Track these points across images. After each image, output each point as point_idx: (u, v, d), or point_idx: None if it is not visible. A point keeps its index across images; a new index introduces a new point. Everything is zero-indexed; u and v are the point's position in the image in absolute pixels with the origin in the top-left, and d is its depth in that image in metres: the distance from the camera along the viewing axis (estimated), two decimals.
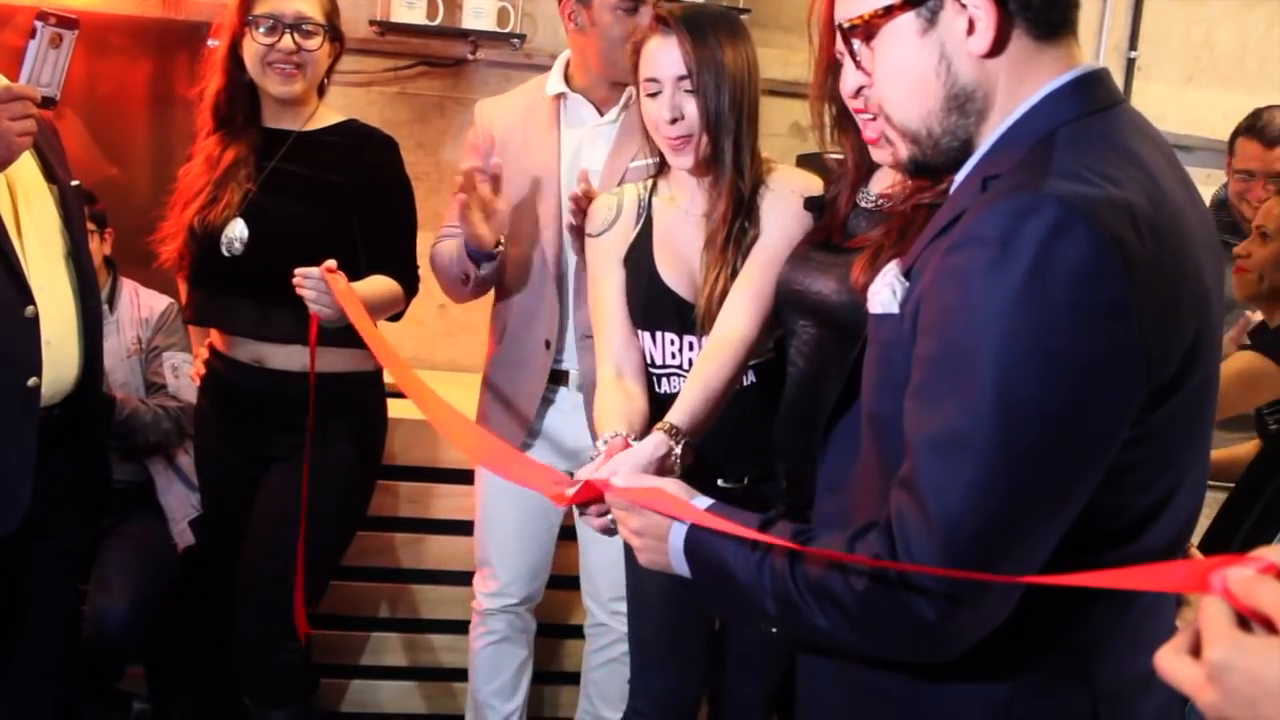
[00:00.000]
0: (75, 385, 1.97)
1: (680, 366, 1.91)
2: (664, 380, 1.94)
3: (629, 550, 1.94)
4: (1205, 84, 3.96)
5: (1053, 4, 1.09)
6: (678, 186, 1.95)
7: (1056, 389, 0.95)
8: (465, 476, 2.68)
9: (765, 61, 3.57)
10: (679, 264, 1.91)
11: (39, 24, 1.84)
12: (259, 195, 2.24)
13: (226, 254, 2.23)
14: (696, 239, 1.90)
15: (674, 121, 1.81)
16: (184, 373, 2.83)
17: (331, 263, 2.04)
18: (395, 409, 2.51)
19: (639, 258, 1.93)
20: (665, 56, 1.82)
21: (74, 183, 2.05)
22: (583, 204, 2.08)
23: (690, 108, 1.82)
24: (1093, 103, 1.09)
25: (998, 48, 1.07)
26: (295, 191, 2.25)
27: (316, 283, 2.03)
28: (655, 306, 1.91)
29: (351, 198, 2.27)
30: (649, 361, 1.93)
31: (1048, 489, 0.98)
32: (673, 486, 1.24)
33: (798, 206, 1.86)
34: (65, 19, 1.86)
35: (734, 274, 1.84)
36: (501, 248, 2.21)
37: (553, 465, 2.40)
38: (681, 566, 1.22)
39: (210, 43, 2.33)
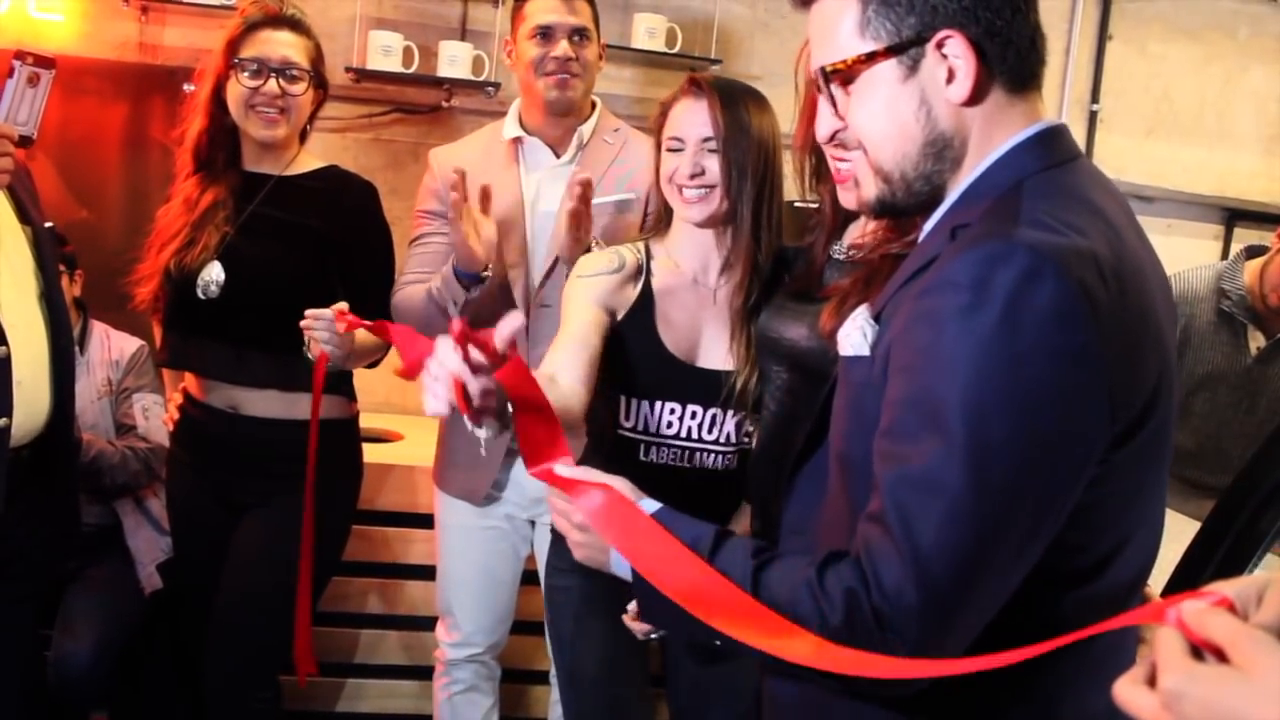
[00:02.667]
0: (45, 426, 1.96)
1: (677, 435, 1.87)
2: (652, 449, 1.88)
3: (558, 628, 1.91)
4: (1165, 136, 4.05)
5: (1025, 58, 1.12)
6: (680, 251, 1.92)
7: (1026, 430, 0.97)
8: (429, 521, 2.67)
9: None
10: (683, 331, 1.89)
11: (17, 63, 1.85)
12: (237, 239, 2.23)
13: (202, 297, 2.21)
14: (701, 305, 1.89)
15: (694, 176, 1.82)
16: (154, 414, 2.82)
17: (343, 305, 2.00)
18: (371, 454, 2.51)
19: (641, 325, 1.88)
20: (693, 118, 1.83)
21: (47, 224, 2.04)
22: (588, 191, 2.02)
23: (713, 165, 1.82)
24: (1055, 156, 1.12)
25: (976, 97, 1.10)
26: (273, 235, 2.24)
27: (328, 324, 1.98)
28: (658, 375, 1.87)
29: (331, 243, 2.26)
30: (639, 428, 1.88)
31: (1016, 527, 1.00)
32: (621, 485, 1.19)
33: None
34: (42, 59, 1.87)
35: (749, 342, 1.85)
36: (490, 273, 2.15)
37: (516, 515, 2.42)
38: (621, 569, 1.21)
39: (187, 87, 2.34)
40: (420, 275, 2.29)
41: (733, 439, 1.88)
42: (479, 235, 2.09)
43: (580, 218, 2.04)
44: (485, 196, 2.10)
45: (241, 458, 2.29)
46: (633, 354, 1.87)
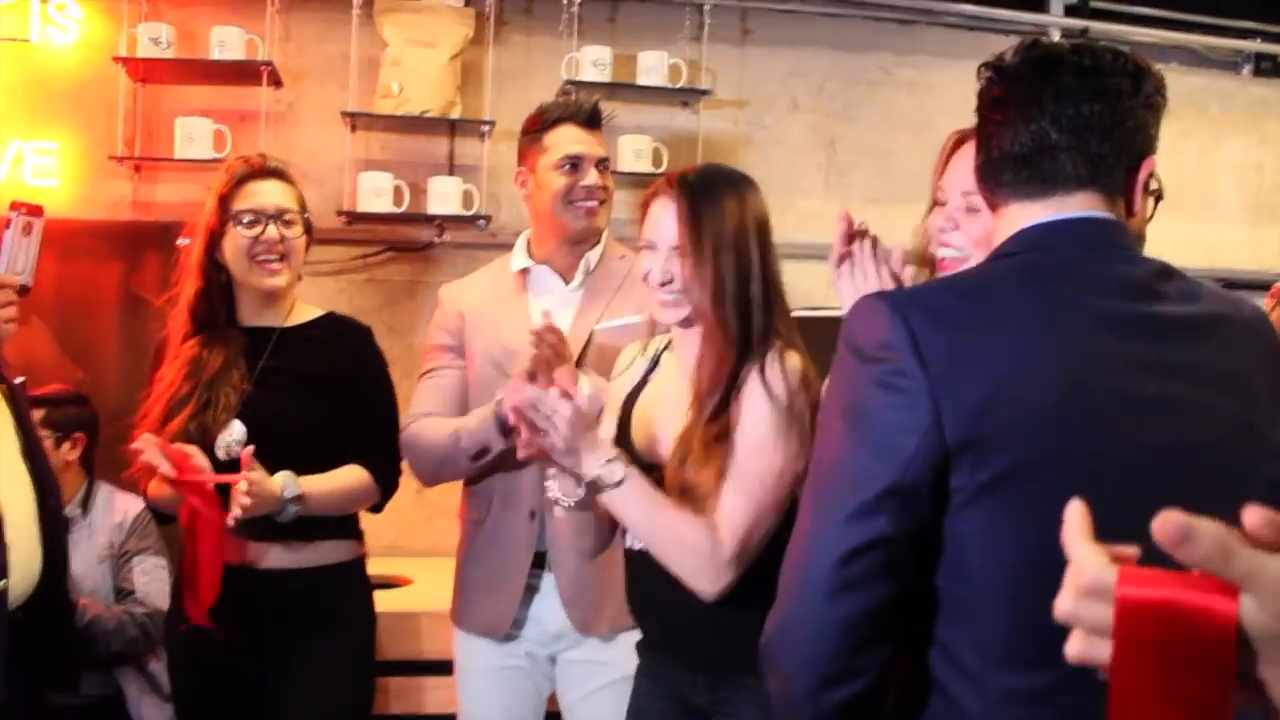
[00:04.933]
0: (38, 587, 1.91)
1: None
2: (629, 534, 1.86)
3: None
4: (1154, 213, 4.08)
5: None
6: (680, 346, 1.90)
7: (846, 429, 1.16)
8: (447, 668, 2.58)
9: None
10: (655, 424, 1.87)
11: (14, 214, 1.88)
12: (250, 395, 2.21)
13: (224, 457, 2.17)
14: (667, 406, 1.85)
15: (664, 284, 1.81)
16: (155, 578, 2.76)
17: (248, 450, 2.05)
18: (380, 601, 2.45)
19: (625, 406, 1.90)
20: (665, 222, 1.81)
21: (19, 380, 2.02)
22: (546, 337, 1.95)
23: (681, 271, 1.79)
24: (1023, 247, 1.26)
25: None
26: (286, 389, 2.23)
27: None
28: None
29: (337, 391, 2.25)
30: None
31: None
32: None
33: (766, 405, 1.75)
34: (33, 207, 1.92)
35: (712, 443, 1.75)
36: None
37: (537, 653, 2.35)
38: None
39: (180, 241, 2.34)
40: (433, 410, 2.28)
41: None
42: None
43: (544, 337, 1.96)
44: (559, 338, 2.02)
45: (257, 614, 2.22)
46: (617, 435, 1.87)
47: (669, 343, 1.95)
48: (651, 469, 1.77)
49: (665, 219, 1.81)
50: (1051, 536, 0.70)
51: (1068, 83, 1.21)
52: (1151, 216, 1.37)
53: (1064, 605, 0.69)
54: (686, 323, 1.83)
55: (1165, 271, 1.22)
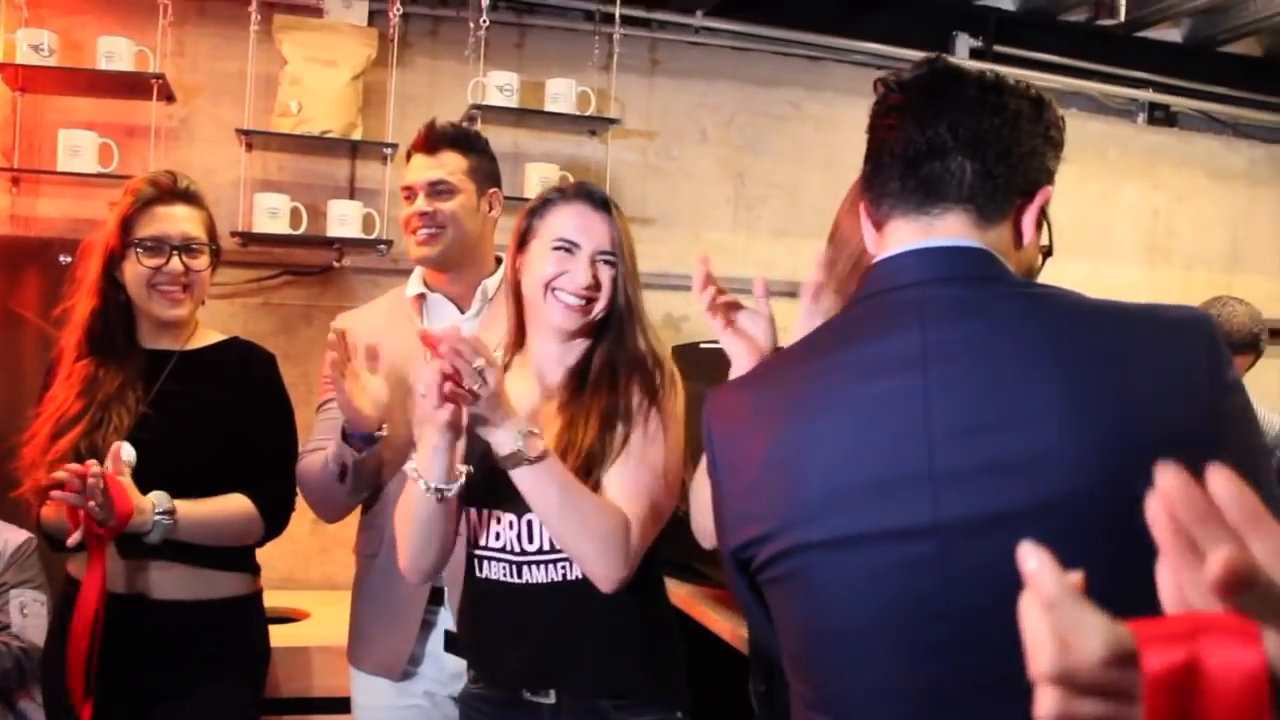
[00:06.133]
0: None
1: (503, 549, 1.77)
2: (485, 564, 1.79)
3: None
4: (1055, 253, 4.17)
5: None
6: (533, 365, 1.87)
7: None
8: (343, 705, 2.49)
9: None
10: None
11: None
12: (144, 418, 2.12)
13: None
14: (538, 414, 1.81)
15: (588, 287, 1.78)
16: (32, 612, 2.65)
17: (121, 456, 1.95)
18: (276, 636, 2.36)
19: (473, 433, 1.79)
20: (592, 226, 1.80)
21: None
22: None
23: (605, 275, 1.79)
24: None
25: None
26: (182, 412, 2.14)
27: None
28: (482, 483, 1.76)
29: (238, 415, 2.18)
30: (473, 542, 1.80)
31: None
32: None
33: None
34: None
35: (605, 449, 1.76)
36: (384, 431, 2.07)
37: (436, 692, 2.27)
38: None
39: (63, 259, 2.22)
40: (323, 442, 2.20)
41: (559, 546, 1.74)
42: (367, 394, 2.03)
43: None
44: (373, 355, 2.05)
45: (147, 647, 2.10)
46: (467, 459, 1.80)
47: (508, 362, 1.89)
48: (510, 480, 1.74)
49: (593, 224, 1.80)
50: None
51: (970, 93, 1.16)
52: (1040, 269, 1.32)
53: (1050, 666, 0.61)
54: (581, 331, 1.81)
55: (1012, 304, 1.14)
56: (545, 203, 1.86)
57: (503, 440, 1.62)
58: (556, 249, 1.79)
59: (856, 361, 1.14)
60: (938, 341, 1.10)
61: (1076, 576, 0.61)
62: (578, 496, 1.67)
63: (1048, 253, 1.30)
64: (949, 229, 1.15)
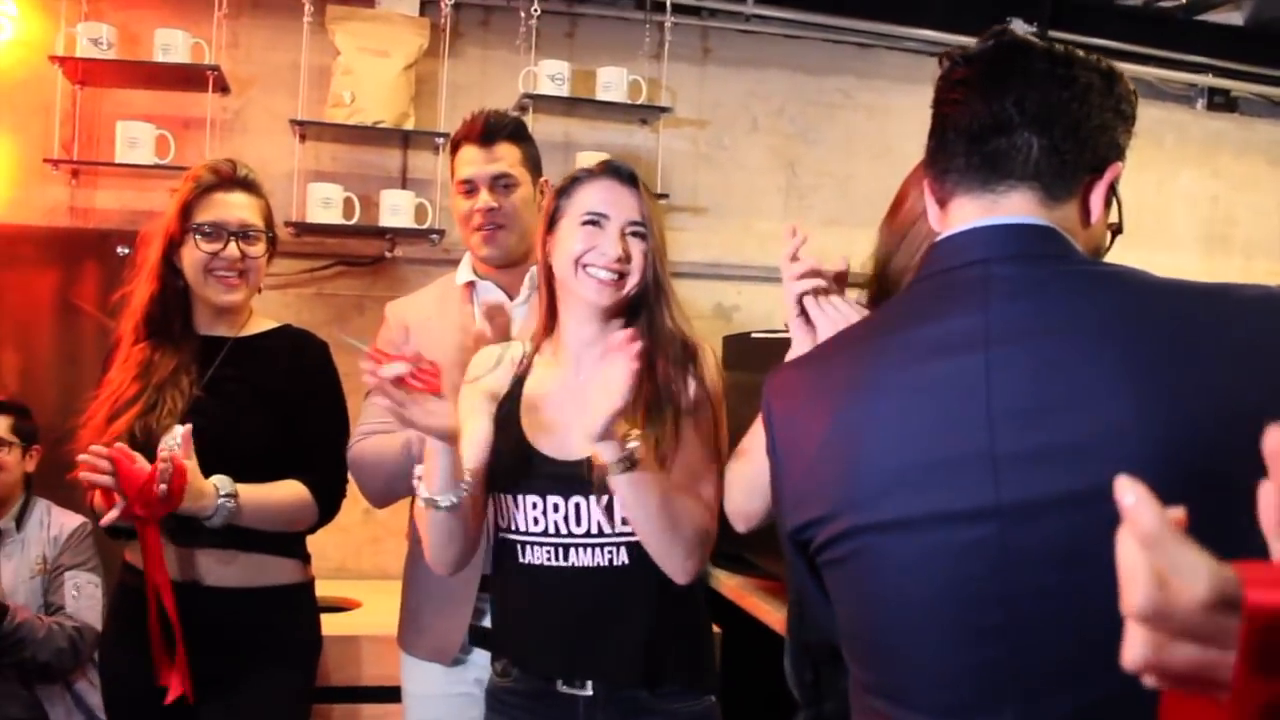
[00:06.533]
0: None
1: (545, 532, 1.75)
2: (528, 549, 1.76)
3: None
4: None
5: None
6: (565, 349, 1.84)
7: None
8: (393, 694, 2.51)
9: (686, 244, 3.68)
10: (550, 422, 1.79)
11: None
12: (199, 402, 2.14)
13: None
14: (573, 402, 1.75)
15: (619, 260, 1.75)
16: (86, 594, 2.70)
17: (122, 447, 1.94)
18: (327, 624, 2.37)
19: (505, 416, 1.80)
20: (620, 199, 1.78)
21: None
22: (497, 319, 2.03)
23: (637, 250, 1.77)
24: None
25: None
26: (235, 398, 2.16)
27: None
28: (517, 467, 1.75)
29: (291, 401, 2.19)
30: (511, 527, 1.78)
31: None
32: None
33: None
34: None
35: (655, 434, 1.73)
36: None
37: (486, 680, 2.28)
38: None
39: (121, 250, 2.25)
40: (380, 425, 2.19)
41: (605, 529, 1.73)
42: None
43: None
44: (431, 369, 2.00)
45: (200, 634, 2.11)
46: (499, 448, 1.78)
47: (531, 348, 1.88)
48: (565, 468, 1.73)
49: (620, 197, 1.78)
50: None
51: (1039, 67, 1.12)
52: (1109, 249, 1.28)
53: (1146, 604, 0.59)
54: (615, 308, 1.79)
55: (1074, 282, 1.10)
56: (573, 181, 1.83)
57: (611, 446, 1.57)
58: (585, 224, 1.77)
59: (919, 341, 1.12)
60: (1002, 321, 1.07)
61: (1178, 513, 0.59)
62: (673, 498, 1.66)
63: (1117, 230, 1.27)
64: (1014, 206, 1.13)
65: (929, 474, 1.07)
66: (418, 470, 1.68)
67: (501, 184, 2.27)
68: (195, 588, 2.12)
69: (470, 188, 2.28)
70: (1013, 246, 1.11)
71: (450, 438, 1.60)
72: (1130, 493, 0.59)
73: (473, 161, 2.28)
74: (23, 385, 3.15)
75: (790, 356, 1.51)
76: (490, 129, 2.29)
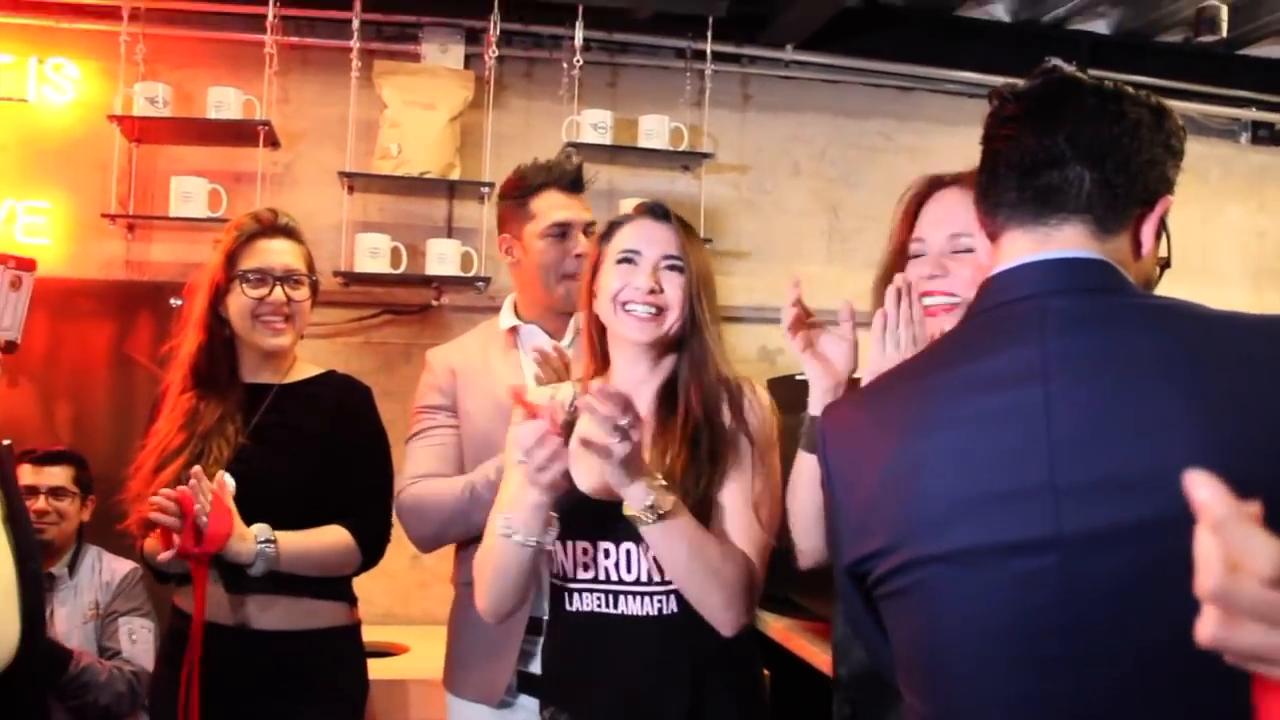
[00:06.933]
0: (14, 657, 1.84)
1: (595, 579, 1.72)
2: (575, 596, 1.74)
3: None
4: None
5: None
6: (616, 383, 1.82)
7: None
8: None
9: (730, 289, 3.69)
10: (600, 470, 1.70)
11: (2, 268, 1.82)
12: (244, 450, 2.17)
13: None
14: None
15: (651, 292, 1.73)
16: (141, 639, 2.72)
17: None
18: (374, 669, 2.38)
19: None
20: (654, 235, 1.78)
21: (5, 441, 1.97)
22: (552, 361, 2.03)
23: (672, 284, 1.75)
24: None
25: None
26: (280, 444, 2.18)
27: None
28: (571, 514, 1.72)
29: (332, 450, 2.21)
30: (561, 574, 1.76)
31: None
32: None
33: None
34: (23, 261, 1.84)
35: (699, 474, 1.71)
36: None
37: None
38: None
39: (174, 302, 2.30)
40: (435, 470, 2.22)
41: (655, 576, 1.70)
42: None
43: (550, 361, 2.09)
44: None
45: (249, 677, 2.14)
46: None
47: (579, 390, 1.84)
48: (615, 512, 1.67)
49: (655, 233, 1.78)
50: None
51: (1090, 103, 1.14)
52: (1158, 282, 1.29)
53: (1217, 586, 0.66)
54: (658, 343, 1.77)
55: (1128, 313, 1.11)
56: (611, 226, 1.85)
57: (635, 496, 1.56)
58: (620, 262, 1.78)
59: (975, 375, 1.13)
60: (1059, 354, 1.08)
61: (1255, 507, 0.66)
62: (707, 546, 1.63)
63: (1165, 264, 1.28)
64: (1067, 240, 1.14)
65: (990, 505, 1.07)
66: (504, 519, 1.66)
67: (589, 231, 2.28)
68: (243, 631, 2.13)
69: (563, 230, 2.28)
70: (1067, 280, 1.12)
71: (561, 490, 1.62)
72: (1203, 488, 0.66)
73: (567, 207, 2.30)
74: (76, 435, 3.21)
75: (810, 393, 1.61)
76: (579, 178, 2.33)
